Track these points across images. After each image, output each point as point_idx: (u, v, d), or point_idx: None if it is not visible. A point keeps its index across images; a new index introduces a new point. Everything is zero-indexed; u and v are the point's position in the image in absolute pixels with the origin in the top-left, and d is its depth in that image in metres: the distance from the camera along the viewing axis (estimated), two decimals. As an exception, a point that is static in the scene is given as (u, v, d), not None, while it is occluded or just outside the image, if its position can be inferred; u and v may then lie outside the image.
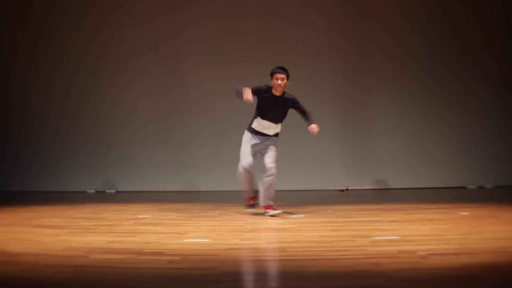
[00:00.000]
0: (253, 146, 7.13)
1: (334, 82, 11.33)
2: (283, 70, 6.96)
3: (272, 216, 7.00)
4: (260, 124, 7.11)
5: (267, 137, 7.17)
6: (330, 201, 9.09)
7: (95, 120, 11.54)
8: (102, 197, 10.40)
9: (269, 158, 7.08)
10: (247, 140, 7.16)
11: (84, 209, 8.11)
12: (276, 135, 7.25)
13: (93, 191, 11.36)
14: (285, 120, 11.08)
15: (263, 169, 7.11)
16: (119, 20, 11.51)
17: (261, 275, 4.12)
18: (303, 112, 7.17)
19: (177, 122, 11.48)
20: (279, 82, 6.90)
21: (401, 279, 3.76)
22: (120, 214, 7.60)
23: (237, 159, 11.02)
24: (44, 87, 11.59)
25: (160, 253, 4.71)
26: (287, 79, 6.97)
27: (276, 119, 7.13)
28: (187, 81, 11.47)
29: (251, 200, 7.42)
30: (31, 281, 3.88)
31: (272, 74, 6.98)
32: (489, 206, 7.83)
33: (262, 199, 7.16)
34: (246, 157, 7.09)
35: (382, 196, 10.08)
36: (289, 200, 9.19)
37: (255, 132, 7.16)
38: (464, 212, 7.06)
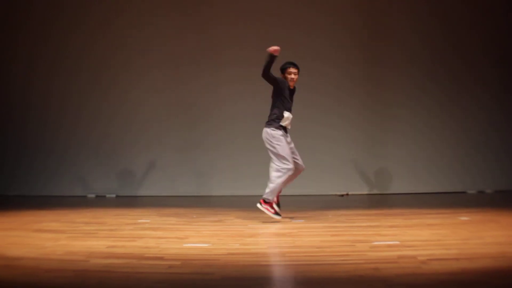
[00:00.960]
0: (289, 146, 7.10)
1: (335, 87, 11.33)
2: (296, 65, 7.14)
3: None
4: (287, 118, 7.08)
5: (288, 133, 7.22)
6: (330, 206, 9.09)
7: (96, 125, 11.54)
8: (102, 202, 10.40)
9: (300, 159, 7.21)
10: (283, 140, 7.05)
11: (84, 214, 8.11)
12: None
13: (93, 195, 11.36)
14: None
15: (297, 167, 7.14)
16: (120, 21, 11.53)
17: (261, 280, 4.12)
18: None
19: (178, 127, 11.48)
20: (293, 76, 7.11)
21: (400, 284, 3.76)
22: (120, 218, 7.61)
23: (237, 164, 11.14)
24: (44, 91, 11.60)
25: (160, 258, 4.71)
26: (298, 73, 7.18)
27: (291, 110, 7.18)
28: (189, 86, 11.48)
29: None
30: (31, 286, 3.88)
31: (284, 69, 7.12)
32: (489, 211, 7.83)
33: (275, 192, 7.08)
34: (291, 159, 7.02)
35: (382, 201, 10.08)
36: (289, 205, 9.19)
37: (285, 129, 7.13)
38: (464, 217, 7.05)
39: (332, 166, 11.25)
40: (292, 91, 7.22)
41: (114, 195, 11.32)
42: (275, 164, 7.01)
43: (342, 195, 10.99)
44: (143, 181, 11.40)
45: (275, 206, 7.11)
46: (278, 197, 7.25)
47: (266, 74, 6.94)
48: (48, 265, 4.46)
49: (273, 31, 11.30)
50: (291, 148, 7.12)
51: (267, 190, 7.00)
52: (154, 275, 4.15)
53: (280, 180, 6.96)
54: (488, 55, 11.27)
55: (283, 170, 6.96)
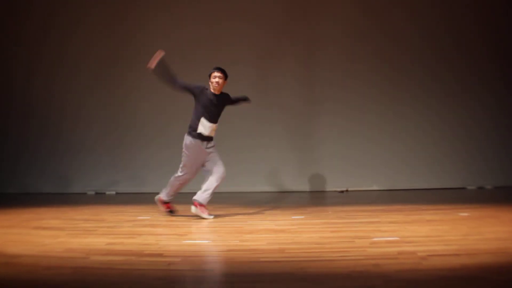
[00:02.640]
0: (200, 156, 7.10)
1: (332, 84, 11.33)
2: (220, 69, 7.09)
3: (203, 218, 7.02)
4: (205, 127, 7.05)
5: (209, 142, 7.15)
6: (330, 202, 9.09)
7: (96, 122, 11.54)
8: (101, 199, 10.40)
9: (218, 166, 7.12)
10: (191, 150, 7.10)
11: (84, 211, 8.11)
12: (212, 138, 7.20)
13: (92, 192, 11.35)
14: (284, 123, 11.14)
15: (218, 172, 7.12)
16: (121, 20, 11.52)
17: (261, 277, 4.11)
18: (239, 100, 7.36)
19: (176, 123, 11.44)
20: (217, 80, 7.02)
21: (400, 280, 3.76)
22: (120, 215, 7.60)
23: (235, 160, 11.13)
24: (45, 89, 11.61)
25: (160, 255, 4.71)
26: (225, 79, 7.09)
27: (216, 119, 7.13)
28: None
29: (168, 205, 7.52)
30: (31, 283, 3.88)
31: (209, 75, 7.09)
32: (489, 207, 7.83)
33: (204, 197, 7.13)
34: (190, 170, 7.16)
35: (382, 197, 10.08)
36: (289, 201, 9.19)
37: (202, 138, 7.08)
38: (463, 213, 7.06)
39: (332, 162, 11.25)
40: (219, 98, 7.10)
41: (113, 192, 11.32)
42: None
43: (342, 191, 10.99)
44: (143, 178, 11.39)
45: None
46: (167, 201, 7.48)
47: (173, 86, 7.12)
48: (48, 262, 4.46)
49: (273, 29, 11.32)
50: (209, 157, 7.10)
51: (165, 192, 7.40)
52: (154, 271, 4.15)
53: (171, 182, 7.31)
54: (490, 54, 11.25)
55: (176, 176, 7.25)
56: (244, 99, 7.46)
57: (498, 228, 5.81)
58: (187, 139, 7.09)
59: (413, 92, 11.31)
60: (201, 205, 7.06)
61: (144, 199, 10.12)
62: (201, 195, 7.08)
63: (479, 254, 4.48)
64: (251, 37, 11.36)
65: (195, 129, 7.06)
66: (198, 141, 7.07)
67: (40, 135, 11.56)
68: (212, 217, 7.05)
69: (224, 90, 7.23)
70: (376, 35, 11.31)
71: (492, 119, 11.26)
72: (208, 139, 7.11)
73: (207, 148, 7.12)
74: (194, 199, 7.07)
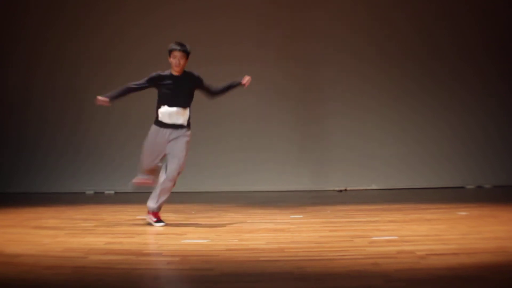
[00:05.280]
0: (158, 146, 6.40)
1: (332, 83, 11.34)
2: (181, 46, 6.29)
3: (150, 224, 6.37)
4: (167, 113, 6.27)
5: (174, 130, 6.35)
6: (329, 201, 9.09)
7: (94, 121, 11.52)
8: (100, 198, 10.40)
9: (173, 163, 6.35)
10: (151, 137, 6.46)
11: (83, 210, 8.12)
12: (187, 125, 6.41)
13: (91, 192, 11.35)
14: (283, 122, 11.14)
15: (168, 171, 6.36)
16: (117, 17, 11.51)
17: (260, 276, 4.12)
18: (213, 90, 6.52)
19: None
20: (177, 60, 6.28)
21: (399, 279, 3.76)
22: (119, 215, 7.61)
23: (235, 160, 11.14)
24: (44, 89, 11.60)
25: (159, 254, 4.71)
26: (187, 58, 6.33)
27: (182, 103, 6.31)
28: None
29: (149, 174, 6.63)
30: (30, 282, 3.88)
31: (170, 52, 6.31)
32: (488, 206, 7.84)
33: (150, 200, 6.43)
34: (147, 161, 6.56)
35: (381, 196, 10.08)
36: (288, 201, 9.20)
37: (163, 125, 6.32)
38: (462, 212, 7.06)
39: (330, 161, 11.25)
40: (180, 79, 6.33)
41: (112, 192, 11.32)
42: None
43: (341, 191, 10.99)
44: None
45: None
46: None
47: (133, 92, 6.52)
48: (47, 262, 4.46)
49: (272, 29, 11.33)
50: (169, 149, 6.35)
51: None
52: (153, 271, 4.15)
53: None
54: (489, 51, 11.26)
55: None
56: (232, 86, 6.65)
57: (497, 227, 5.81)
58: (151, 128, 6.44)
59: (412, 91, 11.31)
60: (150, 212, 6.47)
61: (143, 198, 10.10)
62: (150, 202, 6.46)
63: (478, 253, 4.48)
64: (254, 35, 11.36)
65: (157, 116, 6.38)
66: (158, 128, 6.36)
67: (39, 134, 11.54)
68: (162, 224, 6.36)
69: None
70: (377, 34, 11.31)
71: (491, 118, 11.26)
72: (172, 126, 6.31)
73: (169, 136, 6.34)
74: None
